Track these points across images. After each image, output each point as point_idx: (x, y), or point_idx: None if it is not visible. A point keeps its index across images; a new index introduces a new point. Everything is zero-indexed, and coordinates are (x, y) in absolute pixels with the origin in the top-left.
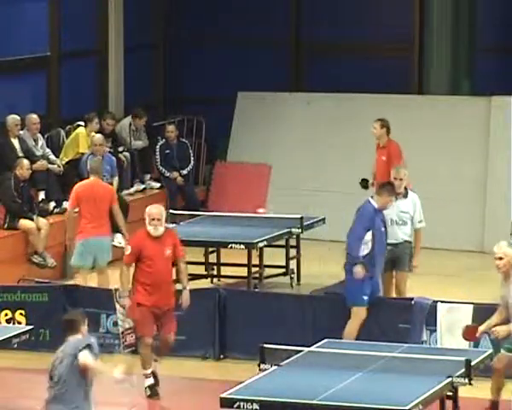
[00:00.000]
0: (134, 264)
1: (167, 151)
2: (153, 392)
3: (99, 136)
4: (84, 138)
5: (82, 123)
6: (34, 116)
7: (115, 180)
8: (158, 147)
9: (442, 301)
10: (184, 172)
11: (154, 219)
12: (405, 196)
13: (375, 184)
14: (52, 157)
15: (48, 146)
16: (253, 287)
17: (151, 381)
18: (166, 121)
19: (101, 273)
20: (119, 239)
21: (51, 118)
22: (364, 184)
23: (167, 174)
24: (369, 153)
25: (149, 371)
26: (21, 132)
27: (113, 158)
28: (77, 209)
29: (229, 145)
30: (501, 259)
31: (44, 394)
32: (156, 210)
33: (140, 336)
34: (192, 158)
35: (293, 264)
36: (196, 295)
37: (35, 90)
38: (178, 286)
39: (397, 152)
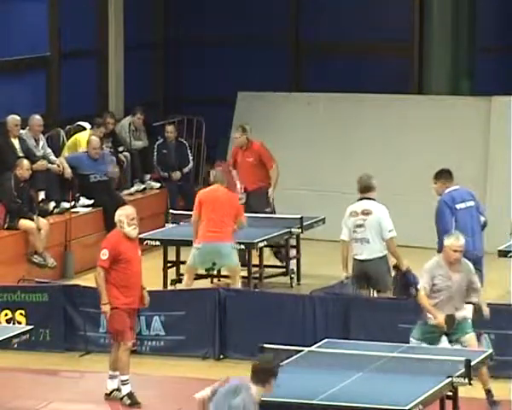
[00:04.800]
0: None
1: (164, 151)
2: (133, 400)
3: (95, 138)
4: (84, 143)
5: (84, 124)
6: (38, 117)
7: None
8: (156, 146)
9: None
10: (185, 170)
11: (133, 219)
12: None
13: None
14: (52, 157)
15: (48, 146)
16: (253, 287)
17: (129, 388)
18: (166, 121)
19: (231, 277)
20: None
21: (51, 118)
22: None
23: (162, 174)
24: (369, 153)
25: (128, 377)
26: (21, 132)
27: (110, 155)
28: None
29: (230, 145)
30: (460, 252)
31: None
32: (133, 210)
33: (120, 341)
34: (191, 158)
35: (293, 264)
36: (196, 295)
37: (35, 90)
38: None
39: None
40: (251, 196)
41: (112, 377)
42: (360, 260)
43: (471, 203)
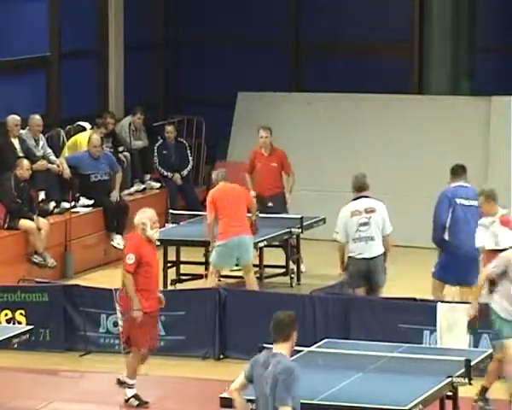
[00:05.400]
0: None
1: (164, 152)
2: (141, 401)
3: (96, 137)
4: (84, 143)
5: (84, 124)
6: (37, 117)
7: (119, 176)
8: (156, 148)
9: (442, 301)
10: (184, 172)
11: (155, 222)
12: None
13: None
14: (52, 157)
15: (48, 146)
16: None
17: (135, 391)
18: (166, 121)
19: (246, 273)
20: (118, 240)
21: (51, 118)
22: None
23: (166, 174)
24: (370, 153)
25: (135, 381)
26: (21, 132)
27: (111, 155)
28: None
29: (229, 145)
30: None
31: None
32: (154, 212)
33: (133, 346)
34: (190, 158)
35: (293, 264)
36: (196, 295)
37: (35, 90)
38: None
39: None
40: (271, 201)
41: (130, 387)
42: (364, 259)
43: (474, 203)
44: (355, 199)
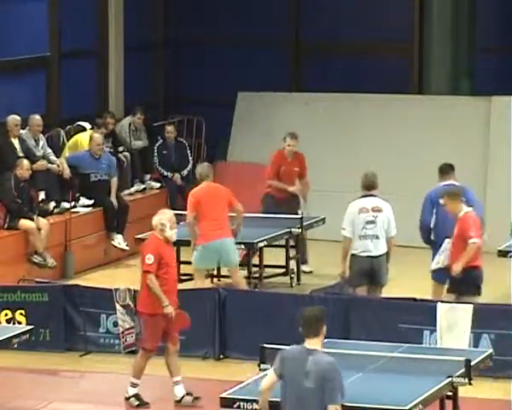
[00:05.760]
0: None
1: (164, 152)
2: (141, 401)
3: (99, 135)
4: (85, 143)
5: (84, 124)
6: (37, 117)
7: (114, 181)
8: (156, 148)
9: (442, 301)
10: (184, 172)
11: (174, 223)
12: None
13: None
14: (52, 157)
15: (48, 146)
16: (253, 287)
17: (136, 391)
18: (166, 121)
19: (232, 275)
20: (119, 240)
21: (51, 118)
22: None
23: (166, 174)
24: (370, 153)
25: (139, 381)
26: (21, 132)
27: (113, 158)
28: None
29: (229, 145)
30: None
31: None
32: (172, 213)
33: (143, 347)
34: (190, 158)
35: (293, 264)
36: (196, 295)
37: (35, 90)
38: None
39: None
40: (286, 202)
41: (177, 383)
42: (367, 257)
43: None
44: (363, 197)
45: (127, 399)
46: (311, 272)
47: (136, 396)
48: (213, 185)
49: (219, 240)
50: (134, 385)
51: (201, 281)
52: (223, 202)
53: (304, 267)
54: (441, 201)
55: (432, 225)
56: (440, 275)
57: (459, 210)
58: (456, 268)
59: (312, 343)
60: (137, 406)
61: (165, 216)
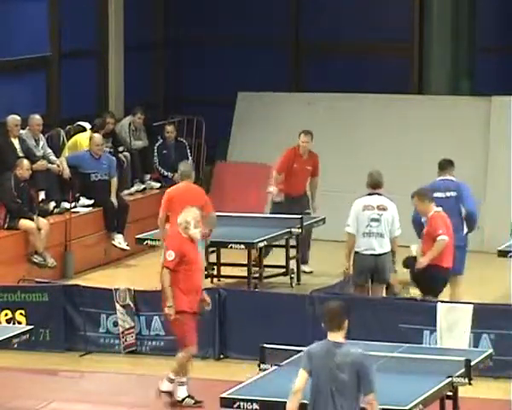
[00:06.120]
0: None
1: (164, 151)
2: (195, 399)
3: (98, 136)
4: (84, 143)
5: (84, 124)
6: (37, 117)
7: (114, 181)
8: (156, 148)
9: (442, 301)
10: None
11: (198, 221)
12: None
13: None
14: (52, 157)
15: (48, 146)
16: (253, 287)
17: (186, 390)
18: (166, 121)
19: None
20: (119, 240)
21: (51, 118)
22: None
23: (166, 174)
24: (370, 153)
25: (186, 379)
26: (21, 132)
27: (113, 158)
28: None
29: (229, 145)
30: None
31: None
32: (198, 212)
33: (185, 346)
34: (190, 158)
35: (293, 264)
36: None
37: (35, 90)
38: None
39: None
40: (296, 201)
41: (181, 384)
42: (371, 255)
43: (452, 194)
44: (368, 195)
45: (180, 401)
46: (311, 272)
47: (190, 396)
48: (191, 187)
49: None
50: (182, 384)
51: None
52: (196, 203)
53: (304, 267)
54: (434, 195)
55: (423, 219)
56: None
57: (429, 210)
58: (422, 263)
59: (336, 337)
60: (194, 404)
61: (190, 215)
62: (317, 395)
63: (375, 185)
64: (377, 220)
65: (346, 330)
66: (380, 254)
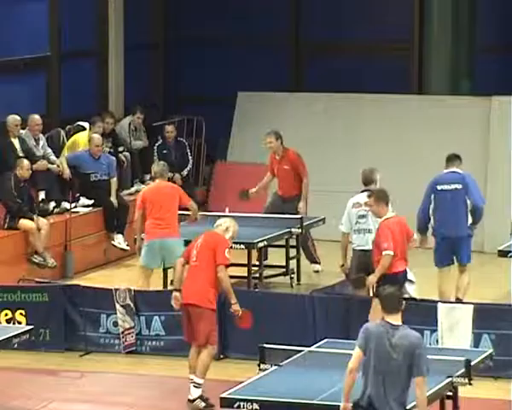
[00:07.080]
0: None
1: (165, 151)
2: (207, 402)
3: (98, 136)
4: (83, 143)
5: (84, 124)
6: (37, 117)
7: (113, 181)
8: (156, 148)
9: (442, 301)
10: (184, 172)
11: (234, 238)
12: None
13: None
14: (52, 157)
15: (48, 146)
16: (253, 287)
17: (200, 391)
18: (166, 121)
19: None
20: (119, 240)
21: (51, 118)
22: (244, 195)
23: None
24: (370, 153)
25: (203, 381)
26: (21, 132)
27: (112, 158)
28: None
29: (229, 145)
30: None
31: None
32: (237, 228)
33: (210, 344)
34: (190, 158)
35: (293, 264)
36: None
37: (35, 90)
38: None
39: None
40: (287, 203)
41: (198, 386)
42: (363, 251)
43: (457, 186)
44: (361, 192)
45: (191, 401)
46: (319, 271)
47: (202, 397)
48: (164, 185)
49: (159, 239)
50: (198, 386)
51: (145, 281)
52: (170, 201)
53: (314, 267)
54: (439, 187)
55: (431, 211)
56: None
57: (383, 214)
58: (372, 280)
59: (394, 319)
60: (204, 407)
61: (235, 228)
62: (368, 373)
63: (366, 182)
64: (364, 217)
65: (402, 312)
66: (370, 250)
